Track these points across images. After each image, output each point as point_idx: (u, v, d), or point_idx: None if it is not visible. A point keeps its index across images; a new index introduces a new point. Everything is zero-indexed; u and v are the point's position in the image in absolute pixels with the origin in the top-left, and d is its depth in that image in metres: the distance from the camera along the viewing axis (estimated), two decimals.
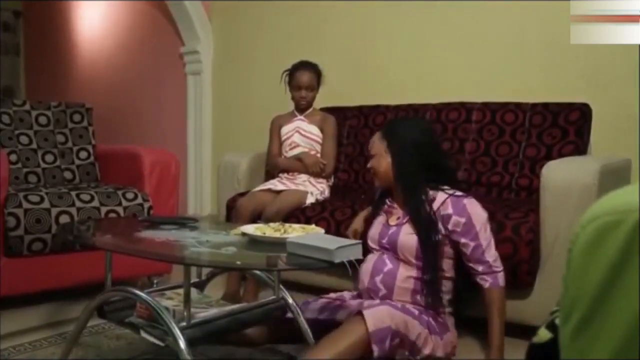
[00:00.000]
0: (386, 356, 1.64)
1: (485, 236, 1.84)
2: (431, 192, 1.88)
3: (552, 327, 0.63)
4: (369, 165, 2.00)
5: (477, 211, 1.85)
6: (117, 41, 5.05)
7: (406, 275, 1.85)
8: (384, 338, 1.61)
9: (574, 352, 0.52)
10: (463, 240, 1.84)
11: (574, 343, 0.52)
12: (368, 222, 2.07)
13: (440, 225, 1.84)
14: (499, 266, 1.87)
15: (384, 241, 1.91)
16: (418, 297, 1.84)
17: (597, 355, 0.49)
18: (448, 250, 1.88)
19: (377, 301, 1.84)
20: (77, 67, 5.48)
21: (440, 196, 1.86)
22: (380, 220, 1.98)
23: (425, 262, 1.83)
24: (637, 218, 0.46)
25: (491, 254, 1.86)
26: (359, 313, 1.65)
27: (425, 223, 1.83)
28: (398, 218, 1.92)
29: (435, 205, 1.85)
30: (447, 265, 1.89)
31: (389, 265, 1.87)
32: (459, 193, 1.87)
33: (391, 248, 1.89)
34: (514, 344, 1.91)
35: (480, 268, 1.85)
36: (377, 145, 1.94)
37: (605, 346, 0.48)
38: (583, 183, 2.03)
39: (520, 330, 1.99)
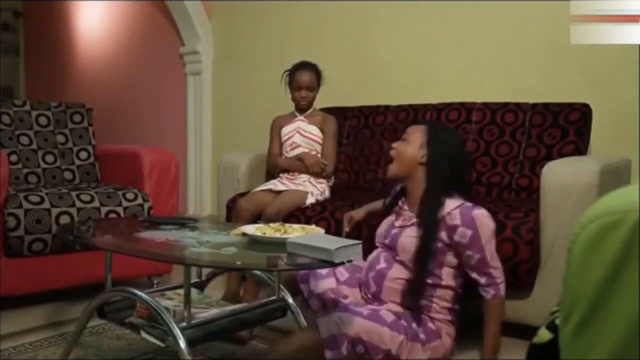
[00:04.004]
0: None
1: (490, 248, 1.81)
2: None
3: (552, 327, 0.63)
4: (394, 146, 1.94)
5: (485, 223, 1.80)
6: (117, 41, 5.05)
7: (395, 277, 1.84)
8: (339, 344, 1.61)
9: (574, 352, 0.52)
10: (468, 252, 1.80)
11: (574, 343, 0.52)
12: (378, 219, 2.08)
13: (444, 234, 1.81)
14: (500, 276, 1.83)
15: (386, 240, 1.93)
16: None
17: (597, 355, 0.49)
18: (450, 259, 1.84)
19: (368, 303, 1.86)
20: (77, 67, 5.48)
21: (449, 204, 1.82)
22: (389, 219, 1.99)
23: (416, 264, 1.81)
24: (637, 218, 0.46)
25: (494, 265, 1.82)
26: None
27: (430, 227, 1.81)
28: (404, 220, 1.92)
29: (442, 213, 1.82)
30: (447, 274, 1.85)
31: (382, 264, 1.89)
32: (468, 204, 1.82)
33: (391, 248, 1.90)
34: (514, 344, 1.91)
35: (483, 280, 1.82)
36: (417, 135, 1.91)
37: (605, 346, 0.48)
38: (583, 183, 2.02)
39: (520, 330, 1.99)
